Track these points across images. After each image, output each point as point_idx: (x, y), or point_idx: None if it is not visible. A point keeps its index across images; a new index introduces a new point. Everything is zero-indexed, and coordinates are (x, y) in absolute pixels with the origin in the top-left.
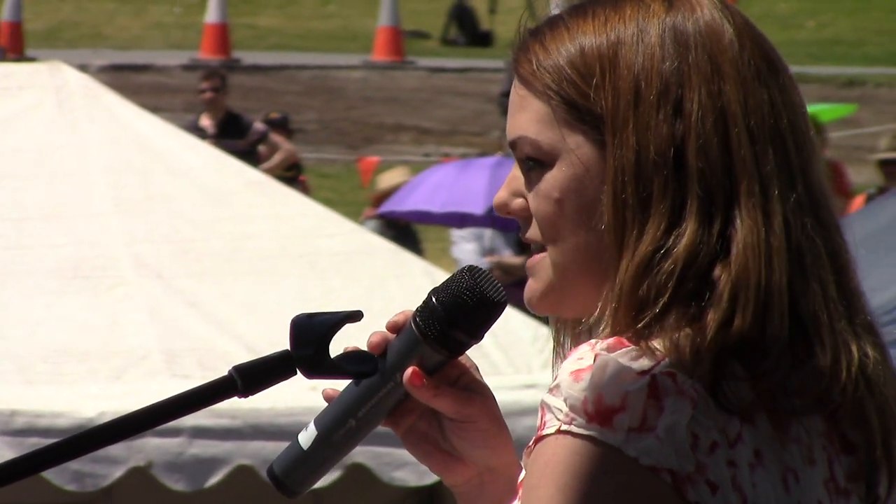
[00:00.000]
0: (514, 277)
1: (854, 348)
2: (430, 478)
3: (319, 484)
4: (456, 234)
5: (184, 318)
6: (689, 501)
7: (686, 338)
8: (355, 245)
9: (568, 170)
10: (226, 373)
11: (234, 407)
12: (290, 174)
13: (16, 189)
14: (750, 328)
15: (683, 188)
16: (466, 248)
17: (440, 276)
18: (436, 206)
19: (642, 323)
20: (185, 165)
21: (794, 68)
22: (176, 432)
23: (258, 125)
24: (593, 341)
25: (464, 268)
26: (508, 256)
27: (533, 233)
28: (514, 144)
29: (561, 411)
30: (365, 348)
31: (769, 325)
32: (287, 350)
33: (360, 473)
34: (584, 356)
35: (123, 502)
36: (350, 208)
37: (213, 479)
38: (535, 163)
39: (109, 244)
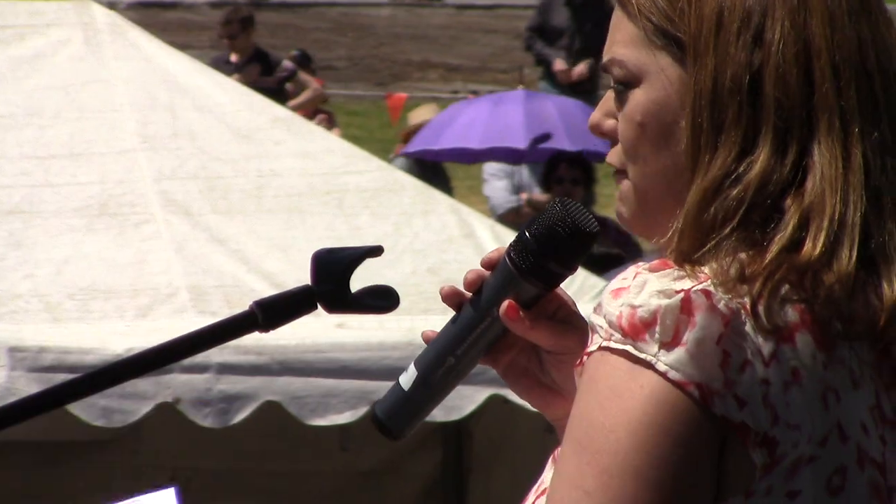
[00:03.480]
0: None
1: None
2: (457, 413)
3: (344, 420)
4: (487, 171)
5: (211, 256)
6: (715, 414)
7: (738, 261)
8: (382, 182)
9: (652, 92)
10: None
11: (260, 343)
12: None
13: (43, 127)
14: (818, 257)
15: (758, 116)
16: (497, 186)
17: (467, 213)
18: (473, 143)
19: (705, 248)
20: (212, 102)
21: None
22: (203, 368)
23: (287, 63)
24: (641, 263)
25: (555, 199)
26: (538, 194)
27: (612, 156)
28: (606, 65)
29: (602, 328)
30: (386, 283)
31: (837, 257)
32: (308, 285)
33: None
34: (628, 276)
35: (151, 438)
36: (379, 145)
37: (241, 415)
38: (624, 85)
39: (136, 181)
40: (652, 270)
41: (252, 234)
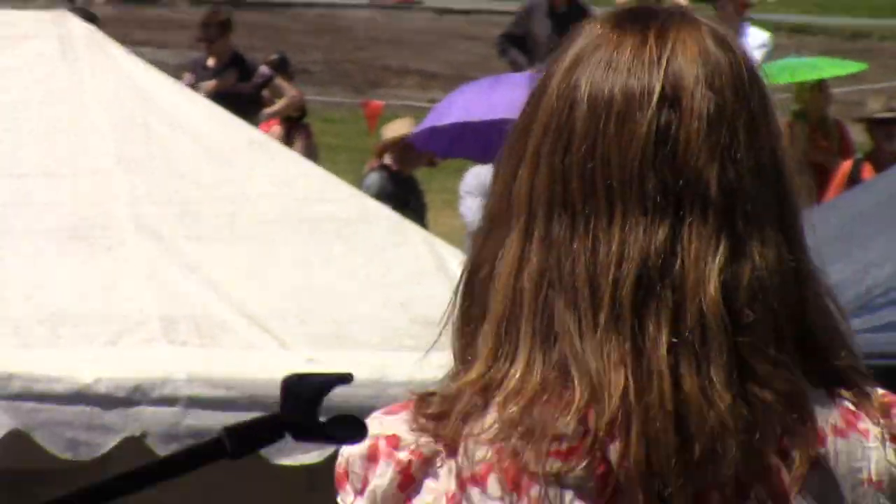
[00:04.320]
0: None
1: (621, 380)
2: None
3: (311, 460)
4: (462, 188)
5: (182, 283)
6: None
7: (440, 398)
8: (356, 211)
9: None
10: (217, 433)
11: (230, 377)
12: (297, 115)
13: (16, 144)
14: (493, 373)
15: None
16: (472, 205)
17: (440, 246)
18: (475, 117)
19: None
20: (188, 122)
21: (800, 18)
22: (172, 402)
23: (263, 69)
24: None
25: None
26: None
27: None
28: None
29: None
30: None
31: (514, 372)
32: (277, 413)
33: None
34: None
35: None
36: (355, 154)
37: None
38: None
39: (110, 203)
40: (385, 414)
41: (225, 262)
